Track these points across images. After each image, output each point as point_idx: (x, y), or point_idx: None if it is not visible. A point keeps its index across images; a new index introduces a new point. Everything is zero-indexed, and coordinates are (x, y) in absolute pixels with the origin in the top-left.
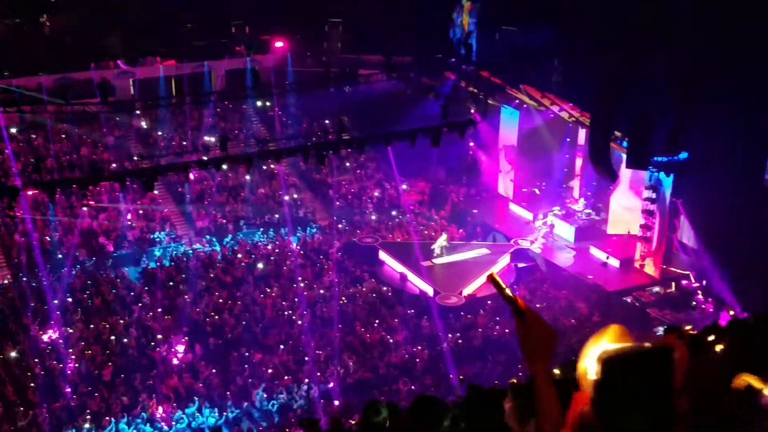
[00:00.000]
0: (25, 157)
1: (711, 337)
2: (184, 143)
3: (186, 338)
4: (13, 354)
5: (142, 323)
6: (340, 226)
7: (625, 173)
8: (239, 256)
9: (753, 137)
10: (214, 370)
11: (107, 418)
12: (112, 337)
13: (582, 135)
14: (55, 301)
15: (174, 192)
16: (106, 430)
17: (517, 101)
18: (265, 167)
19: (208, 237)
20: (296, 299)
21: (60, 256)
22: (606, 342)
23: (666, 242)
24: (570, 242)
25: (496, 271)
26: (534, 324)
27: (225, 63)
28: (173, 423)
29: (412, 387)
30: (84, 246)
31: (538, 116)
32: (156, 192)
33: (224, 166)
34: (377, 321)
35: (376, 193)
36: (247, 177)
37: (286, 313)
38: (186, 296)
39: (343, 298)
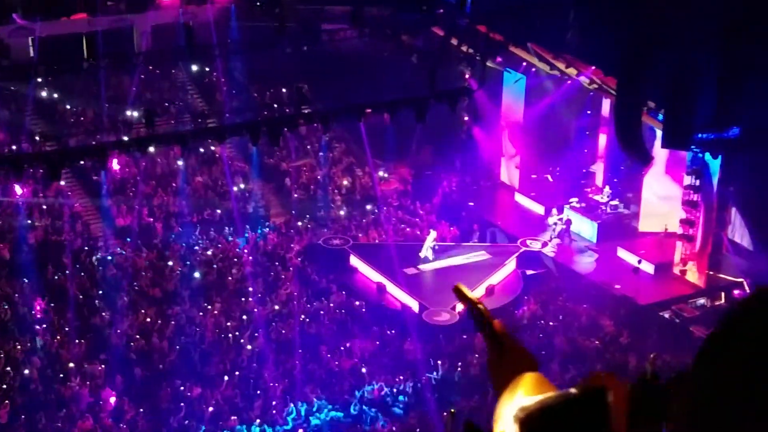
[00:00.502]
0: None
1: None
2: (100, 119)
3: (104, 368)
4: None
5: (47, 350)
6: (300, 224)
7: (660, 154)
8: (171, 263)
9: None
10: (141, 410)
11: None
12: (8, 368)
13: (606, 106)
14: None
15: (87, 182)
16: None
17: (523, 64)
18: (203, 150)
19: (130, 239)
20: (245, 318)
21: None
22: (521, 395)
23: (713, 242)
24: (592, 243)
25: (498, 281)
26: (512, 354)
27: (151, 16)
28: None
29: (393, 429)
30: None
31: (549, 83)
32: (63, 182)
33: (151, 149)
34: (348, 344)
35: (345, 182)
36: (181, 162)
37: (231, 335)
38: (104, 314)
39: (305, 316)
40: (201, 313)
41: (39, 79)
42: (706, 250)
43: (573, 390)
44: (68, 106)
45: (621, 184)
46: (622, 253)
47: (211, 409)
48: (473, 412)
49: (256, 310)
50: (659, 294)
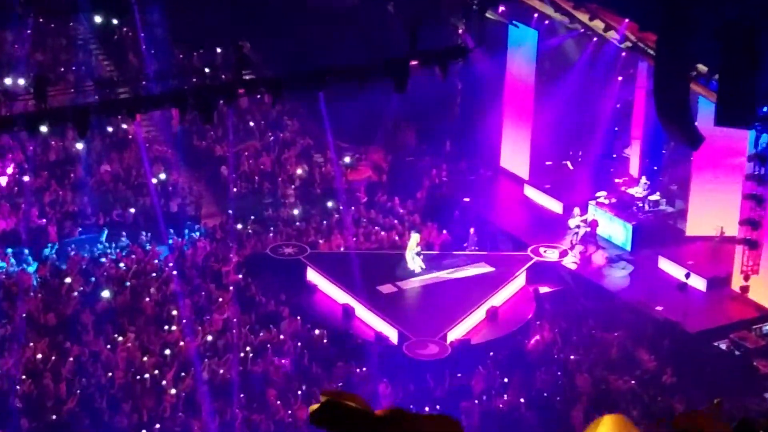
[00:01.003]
0: None
1: None
2: None
3: None
4: None
5: None
6: (240, 227)
7: (714, 135)
8: (69, 280)
9: None
10: None
11: None
12: None
13: (643, 71)
14: None
15: None
16: None
17: (535, 16)
18: (111, 129)
19: (14, 248)
20: (168, 352)
21: None
22: None
23: None
24: (625, 250)
25: (502, 301)
26: None
27: None
28: None
29: None
30: None
31: (570, 41)
32: None
33: (43, 128)
34: (304, 387)
35: (299, 171)
36: (81, 146)
37: (149, 376)
38: None
39: (248, 349)
40: (109, 347)
41: None
42: None
43: None
44: None
45: (662, 174)
46: (665, 265)
47: None
48: None
49: (182, 342)
50: (713, 318)
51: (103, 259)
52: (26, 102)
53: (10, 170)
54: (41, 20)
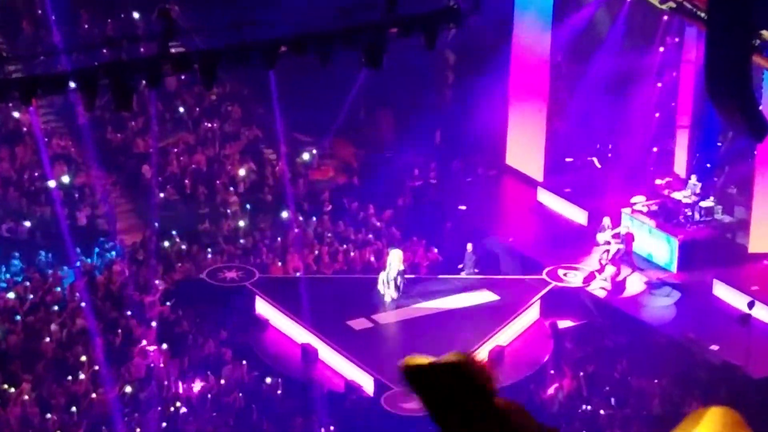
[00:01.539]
0: None
1: None
2: None
3: None
4: None
5: None
6: (167, 244)
7: None
8: None
9: None
10: None
11: None
12: None
13: (692, 40)
14: None
15: None
16: None
17: None
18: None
19: None
20: (73, 409)
21: None
22: None
23: None
24: (670, 272)
25: (509, 339)
26: None
27: None
28: None
29: None
30: None
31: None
32: None
33: None
34: None
35: (244, 172)
36: None
37: None
38: None
39: (177, 404)
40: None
41: None
42: None
43: None
44: None
45: (718, 173)
46: (721, 291)
47: None
48: None
49: (94, 394)
50: None
51: None
52: None
53: None
54: None
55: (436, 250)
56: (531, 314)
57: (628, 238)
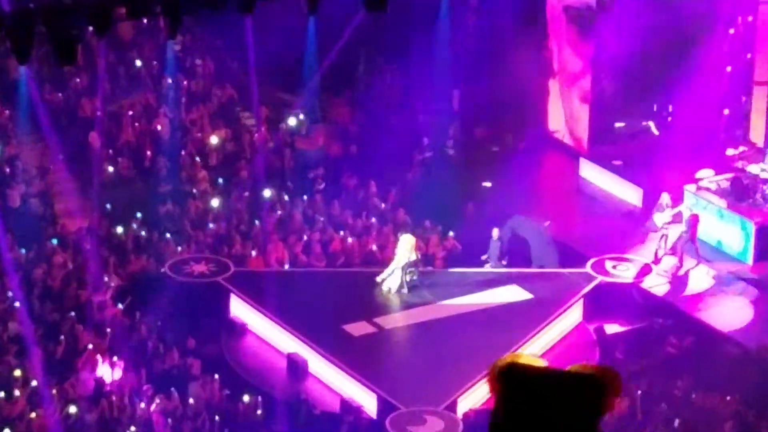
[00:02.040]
0: None
1: None
2: None
3: None
4: None
5: None
6: (121, 230)
7: None
8: None
9: None
10: None
11: None
12: None
13: None
14: None
15: None
16: None
17: None
18: None
19: None
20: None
21: None
22: None
23: None
24: (742, 263)
25: (545, 347)
26: None
27: None
28: None
29: None
30: None
31: None
32: None
33: None
34: None
35: (216, 140)
36: None
37: None
38: None
39: (133, 428)
40: None
41: None
42: None
43: None
44: None
45: None
46: None
47: None
48: None
49: (33, 414)
50: None
51: None
52: None
53: None
54: None
55: (453, 237)
56: (572, 316)
57: (692, 222)
